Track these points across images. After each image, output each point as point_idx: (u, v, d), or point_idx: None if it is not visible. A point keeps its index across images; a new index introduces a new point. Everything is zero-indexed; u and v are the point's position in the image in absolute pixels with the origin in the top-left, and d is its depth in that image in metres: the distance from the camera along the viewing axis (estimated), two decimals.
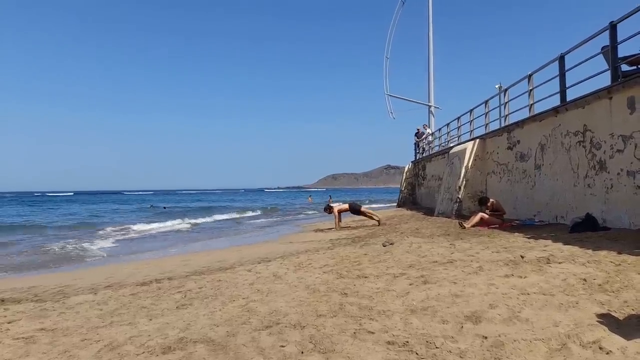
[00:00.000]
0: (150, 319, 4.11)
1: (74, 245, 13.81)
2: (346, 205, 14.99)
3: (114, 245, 14.57)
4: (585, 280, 4.04)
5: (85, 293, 5.75)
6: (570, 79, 9.42)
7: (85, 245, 13.95)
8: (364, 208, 15.03)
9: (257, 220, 25.48)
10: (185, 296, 5.02)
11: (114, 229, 20.43)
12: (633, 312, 3.13)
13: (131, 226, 21.42)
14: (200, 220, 25.14)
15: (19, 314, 4.71)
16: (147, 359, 3.06)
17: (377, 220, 14.06)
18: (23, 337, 3.80)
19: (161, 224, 22.33)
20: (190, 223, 23.20)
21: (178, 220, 24.18)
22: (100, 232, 19.21)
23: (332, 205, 15.33)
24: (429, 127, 26.34)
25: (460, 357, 2.68)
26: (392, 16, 28.94)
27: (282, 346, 3.08)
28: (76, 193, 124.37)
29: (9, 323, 4.32)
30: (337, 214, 14.64)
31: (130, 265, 9.22)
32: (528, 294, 3.79)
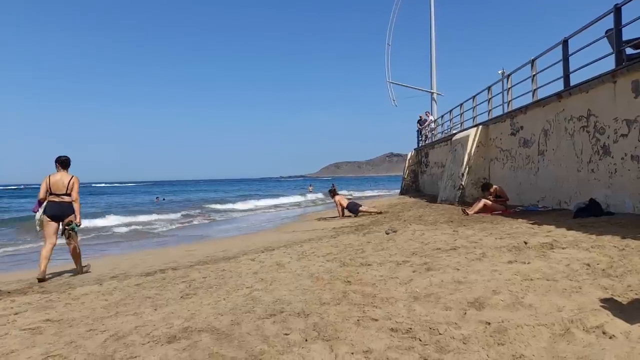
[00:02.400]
0: (155, 309, 4.13)
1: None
2: (345, 202, 14.73)
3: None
4: (588, 265, 4.04)
5: (91, 284, 5.78)
6: (574, 63, 9.34)
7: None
8: (363, 208, 14.52)
9: None
10: (189, 286, 5.05)
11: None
12: (636, 297, 3.13)
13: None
14: None
15: (25, 305, 4.75)
16: (153, 349, 3.08)
17: (378, 212, 13.98)
18: (29, 328, 3.83)
19: None
20: None
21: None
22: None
23: (337, 192, 15.22)
24: (431, 114, 26.20)
25: (464, 343, 2.68)
26: (393, 2, 28.70)
27: (286, 334, 3.10)
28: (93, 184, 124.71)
29: (15, 314, 4.36)
30: (339, 202, 14.64)
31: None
32: (531, 279, 3.79)
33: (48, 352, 3.20)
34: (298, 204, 31.42)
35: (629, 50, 7.41)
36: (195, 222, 19.47)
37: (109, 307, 4.41)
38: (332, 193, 15.29)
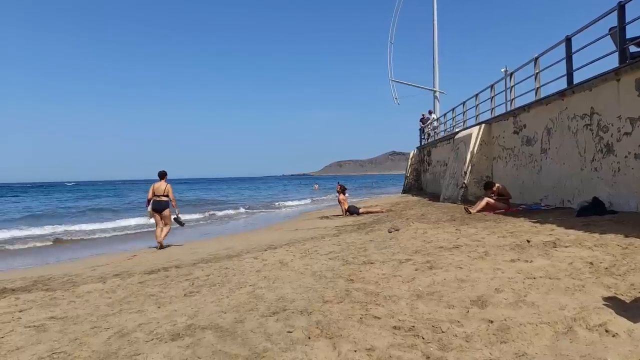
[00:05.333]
0: (159, 307, 4.15)
1: None
2: (347, 204, 14.78)
3: None
4: (591, 263, 4.03)
5: (95, 282, 5.81)
6: (577, 61, 9.32)
7: None
8: (362, 209, 14.57)
9: None
10: (192, 284, 5.07)
11: None
12: (639, 295, 3.13)
13: None
14: None
15: (30, 303, 4.78)
16: (157, 346, 3.09)
17: (380, 211, 13.97)
18: (34, 326, 3.86)
19: None
20: None
21: None
22: None
23: (344, 192, 15.07)
24: (434, 113, 26.17)
25: (466, 341, 2.69)
26: (395, 1, 28.63)
27: (289, 332, 3.11)
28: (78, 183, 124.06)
29: (20, 312, 4.39)
30: (343, 199, 14.63)
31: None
32: (534, 278, 3.79)
33: (53, 349, 3.23)
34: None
35: (633, 48, 7.38)
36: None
37: (112, 304, 4.43)
38: (340, 187, 15.13)
